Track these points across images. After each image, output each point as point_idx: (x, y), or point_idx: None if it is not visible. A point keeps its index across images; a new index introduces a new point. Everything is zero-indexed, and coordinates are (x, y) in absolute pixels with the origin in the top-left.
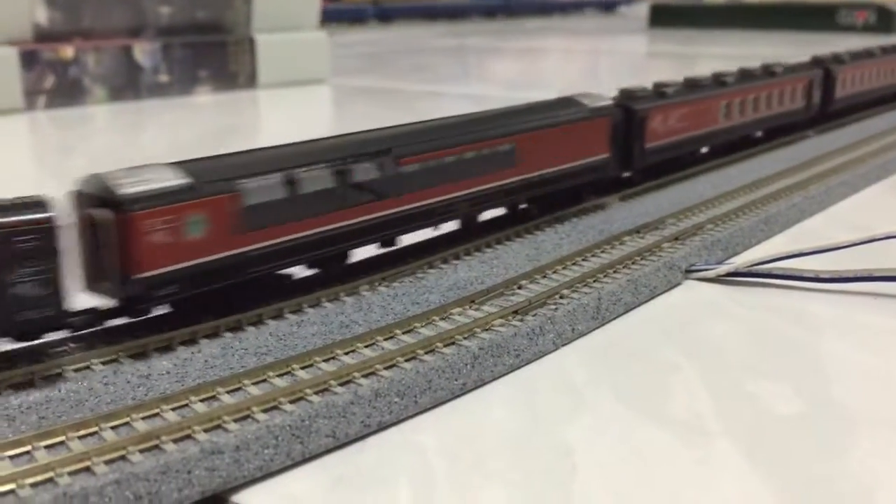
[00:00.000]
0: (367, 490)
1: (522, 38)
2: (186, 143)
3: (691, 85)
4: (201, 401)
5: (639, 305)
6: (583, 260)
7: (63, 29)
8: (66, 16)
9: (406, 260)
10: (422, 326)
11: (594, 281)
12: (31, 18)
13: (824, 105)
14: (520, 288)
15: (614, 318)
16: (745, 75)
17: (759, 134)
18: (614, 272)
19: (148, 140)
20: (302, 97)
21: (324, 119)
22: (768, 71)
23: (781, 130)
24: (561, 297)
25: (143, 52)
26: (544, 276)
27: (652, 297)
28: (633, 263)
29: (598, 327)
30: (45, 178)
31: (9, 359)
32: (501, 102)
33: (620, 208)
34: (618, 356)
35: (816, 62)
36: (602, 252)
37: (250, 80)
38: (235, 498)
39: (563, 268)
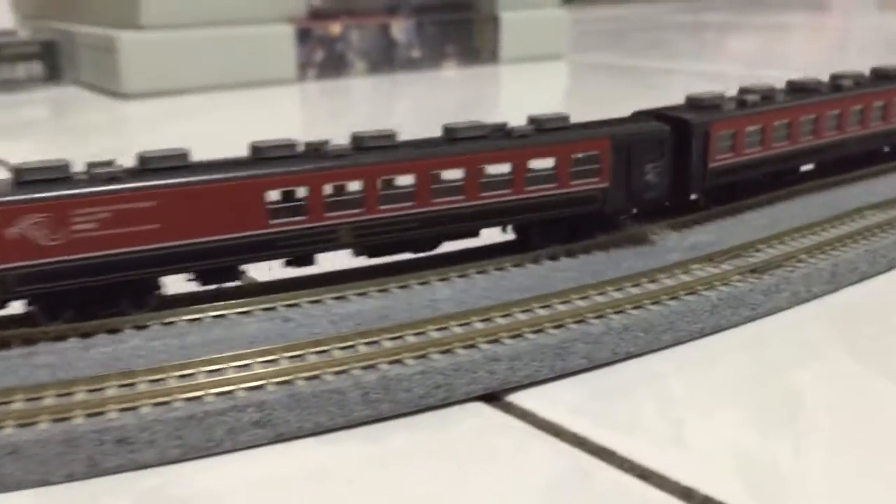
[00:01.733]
0: (617, 401)
1: (764, 13)
2: (433, 112)
3: (798, 89)
4: (480, 321)
5: (875, 275)
6: (821, 230)
7: (332, 8)
8: None
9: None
10: (665, 278)
11: (831, 249)
12: None
13: None
14: (757, 251)
15: (849, 285)
16: (879, 77)
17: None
18: (853, 242)
19: (400, 109)
20: (540, 72)
21: (558, 94)
22: None
23: None
24: (798, 261)
25: (399, 29)
26: (781, 243)
27: (890, 269)
28: (872, 235)
29: (832, 291)
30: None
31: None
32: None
33: (861, 184)
34: (851, 318)
35: None
36: (841, 224)
37: (492, 56)
38: (509, 398)
39: (801, 236)
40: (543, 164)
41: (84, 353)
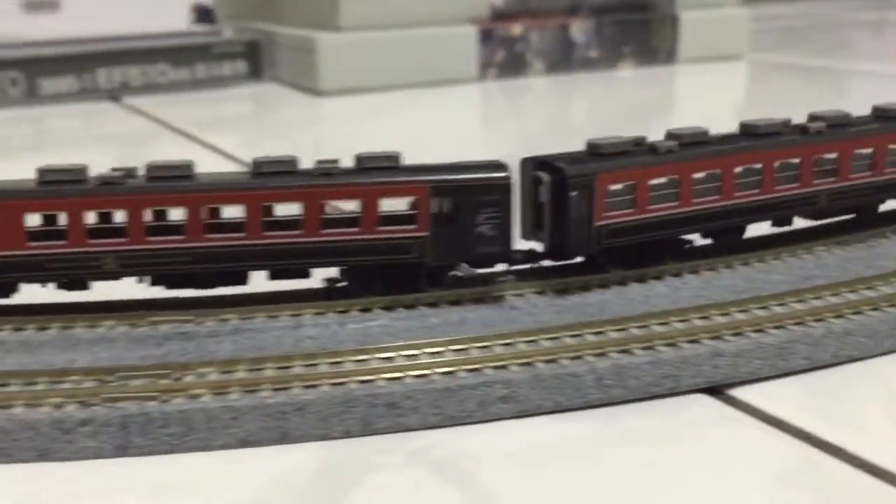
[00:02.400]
0: (842, 400)
1: None
2: (609, 115)
3: (749, 133)
4: (700, 318)
5: None
6: None
7: (514, 9)
8: None
9: (860, 229)
10: (882, 285)
11: None
12: (490, 0)
13: None
14: None
15: None
16: (879, 117)
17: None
18: None
19: (577, 110)
20: (718, 73)
21: (739, 96)
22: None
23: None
24: None
25: (578, 29)
26: None
27: None
28: None
29: None
30: (496, 137)
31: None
32: None
33: None
34: None
35: None
36: None
37: (670, 56)
38: (732, 392)
39: None
40: (349, 206)
41: (340, 329)
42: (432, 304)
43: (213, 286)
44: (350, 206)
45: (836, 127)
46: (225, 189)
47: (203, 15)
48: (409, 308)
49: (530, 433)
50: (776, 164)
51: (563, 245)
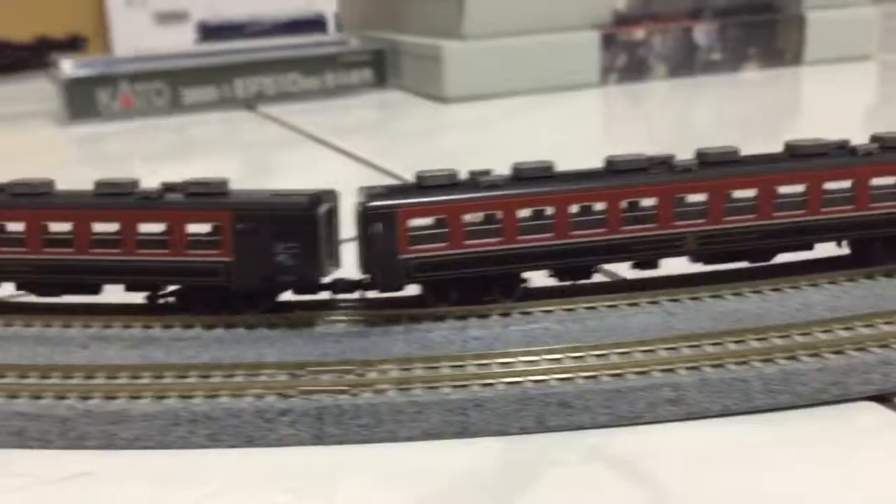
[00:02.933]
0: None
1: None
2: (734, 118)
3: (615, 170)
4: (864, 326)
5: None
6: None
7: (636, 13)
8: (640, 1)
9: None
10: None
11: None
12: (613, 5)
13: None
14: None
15: None
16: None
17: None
18: None
19: (701, 114)
20: (847, 74)
21: (869, 98)
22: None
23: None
24: None
25: (701, 32)
26: None
27: None
28: None
29: None
30: (619, 142)
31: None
32: None
33: None
34: None
35: None
36: None
37: (796, 58)
38: None
39: None
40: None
41: (504, 331)
42: (590, 308)
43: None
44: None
45: (718, 164)
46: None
47: (314, 25)
48: (547, 313)
49: (700, 435)
50: (622, 203)
51: (373, 278)
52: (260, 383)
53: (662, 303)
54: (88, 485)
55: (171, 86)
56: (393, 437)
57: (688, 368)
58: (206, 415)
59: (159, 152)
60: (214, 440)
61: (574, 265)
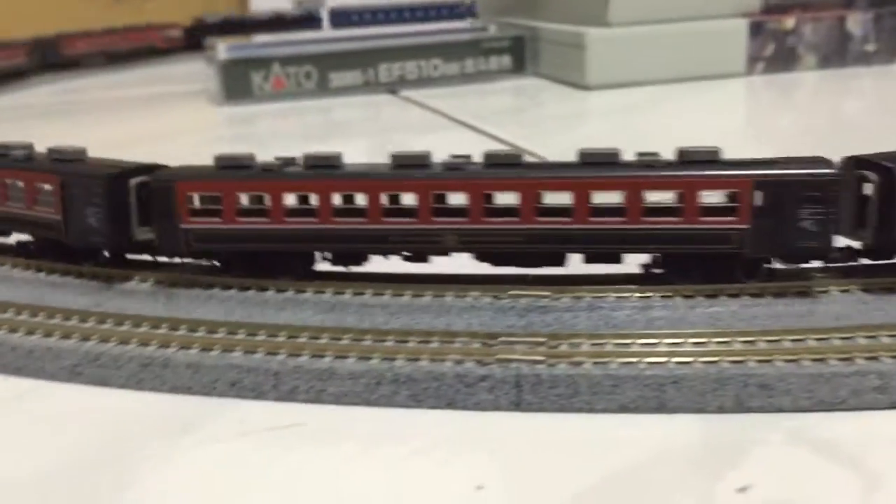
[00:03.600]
0: None
1: None
2: (888, 111)
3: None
4: None
5: None
6: None
7: (787, 2)
8: None
9: None
10: None
11: None
12: None
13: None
14: None
15: None
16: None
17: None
18: None
19: (852, 106)
20: None
21: None
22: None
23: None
24: None
25: (856, 21)
26: None
27: None
28: None
29: None
30: (766, 133)
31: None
32: None
33: None
34: None
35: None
36: None
37: None
38: None
39: None
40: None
41: (690, 312)
42: (755, 295)
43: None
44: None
45: (494, 166)
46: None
47: (451, 11)
48: (733, 297)
49: None
50: (382, 196)
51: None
52: (457, 349)
53: (854, 291)
54: (303, 434)
55: (319, 69)
56: (590, 409)
57: (892, 357)
58: (408, 376)
59: (306, 133)
60: (416, 400)
61: (343, 251)
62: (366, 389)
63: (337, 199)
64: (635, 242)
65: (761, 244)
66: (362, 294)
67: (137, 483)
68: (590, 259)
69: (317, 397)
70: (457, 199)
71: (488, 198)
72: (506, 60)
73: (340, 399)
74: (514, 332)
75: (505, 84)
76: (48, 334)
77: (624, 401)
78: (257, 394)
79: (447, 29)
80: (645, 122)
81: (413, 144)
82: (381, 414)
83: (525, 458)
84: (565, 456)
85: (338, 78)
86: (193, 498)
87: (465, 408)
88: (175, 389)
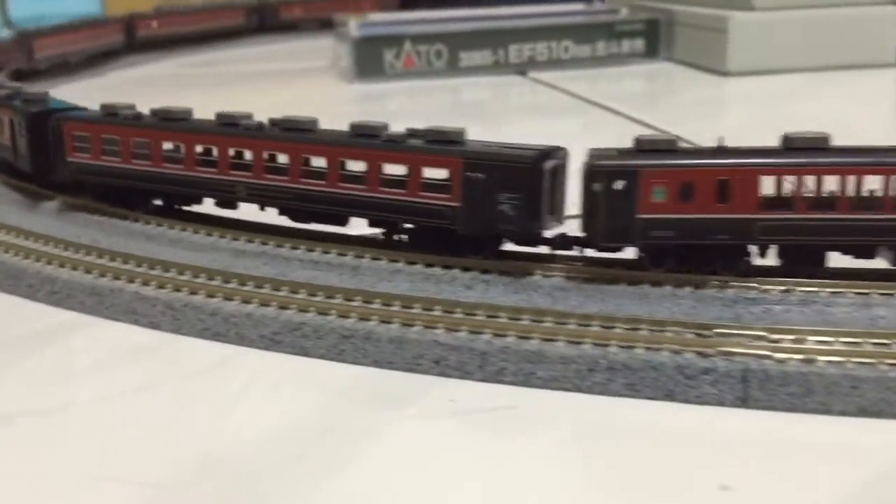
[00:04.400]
0: None
1: None
2: None
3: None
4: None
5: None
6: None
7: None
8: None
9: None
10: None
11: None
12: None
13: None
14: None
15: None
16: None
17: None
18: None
19: None
20: None
21: None
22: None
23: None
24: None
25: None
26: None
27: None
28: None
29: None
30: None
31: None
32: None
33: None
34: None
35: None
36: None
37: None
38: None
39: None
40: None
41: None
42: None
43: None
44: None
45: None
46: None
47: None
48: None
49: None
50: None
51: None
52: (672, 339)
53: None
54: (515, 417)
55: (449, 48)
56: (825, 410)
57: None
58: (623, 364)
59: (434, 112)
60: (633, 390)
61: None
62: (577, 375)
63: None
64: (369, 209)
65: (471, 222)
66: (551, 276)
67: (358, 457)
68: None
69: (525, 380)
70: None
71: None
72: (638, 44)
73: (549, 383)
74: (726, 324)
75: (637, 68)
76: (246, 301)
77: (864, 403)
78: (462, 373)
79: (576, 10)
80: (790, 110)
81: (545, 127)
82: (592, 402)
83: (767, 459)
84: (812, 460)
85: (467, 57)
86: (413, 479)
87: (686, 401)
88: (377, 363)
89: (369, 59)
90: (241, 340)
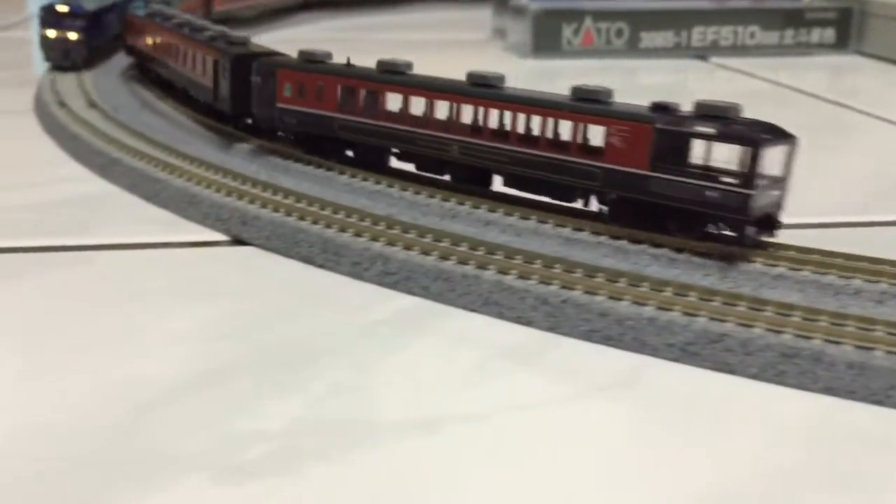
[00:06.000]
0: None
1: None
2: None
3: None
4: None
5: None
6: None
7: None
8: None
9: None
10: None
11: None
12: None
13: None
14: None
15: None
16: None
17: None
18: None
19: None
20: None
21: None
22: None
23: None
24: None
25: None
26: None
27: None
28: None
29: None
30: None
31: None
32: None
33: None
34: None
35: None
36: None
37: None
38: None
39: None
40: None
41: None
42: None
43: None
44: None
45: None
46: None
47: None
48: None
49: None
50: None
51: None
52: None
53: None
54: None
55: (631, 27)
56: None
57: None
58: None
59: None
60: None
61: None
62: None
63: None
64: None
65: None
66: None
67: None
68: None
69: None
70: None
71: None
72: (828, 34)
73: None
74: None
75: (823, 60)
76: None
77: None
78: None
79: None
80: None
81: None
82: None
83: None
84: None
85: (648, 38)
86: None
87: None
88: (831, 391)
89: (547, 34)
90: (643, 349)
